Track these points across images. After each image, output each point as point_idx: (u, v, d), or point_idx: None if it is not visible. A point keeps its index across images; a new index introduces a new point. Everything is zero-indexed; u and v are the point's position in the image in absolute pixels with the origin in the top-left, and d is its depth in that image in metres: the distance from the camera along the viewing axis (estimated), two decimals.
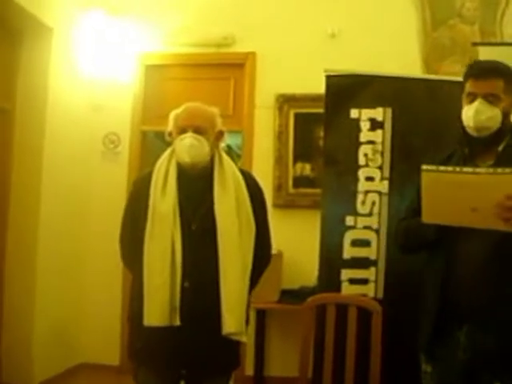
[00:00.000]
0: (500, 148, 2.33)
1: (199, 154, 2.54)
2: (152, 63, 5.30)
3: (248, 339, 4.69)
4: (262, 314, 4.72)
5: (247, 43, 5.09)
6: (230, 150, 9.71)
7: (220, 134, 2.68)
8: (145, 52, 5.25)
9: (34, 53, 4.60)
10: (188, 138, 2.54)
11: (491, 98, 2.29)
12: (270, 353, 4.86)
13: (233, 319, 2.47)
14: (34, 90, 4.56)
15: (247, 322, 2.65)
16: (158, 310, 2.44)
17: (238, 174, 2.67)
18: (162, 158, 2.66)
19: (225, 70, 5.21)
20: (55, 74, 4.67)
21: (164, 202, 2.53)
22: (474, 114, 2.29)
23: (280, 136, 4.94)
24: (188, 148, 2.53)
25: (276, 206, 4.74)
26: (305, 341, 3.25)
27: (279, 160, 4.93)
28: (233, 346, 2.59)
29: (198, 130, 2.56)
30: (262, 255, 2.68)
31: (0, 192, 4.45)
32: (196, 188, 2.59)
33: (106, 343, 5.05)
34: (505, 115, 2.32)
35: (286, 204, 4.87)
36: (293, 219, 4.81)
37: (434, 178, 2.22)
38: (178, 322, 2.44)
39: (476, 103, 2.29)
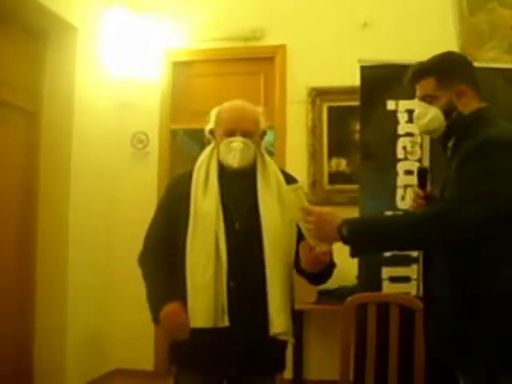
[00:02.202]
0: (450, 144, 2.25)
1: (246, 157, 2.49)
2: (179, 60, 5.19)
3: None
4: (299, 316, 4.57)
5: (277, 36, 4.95)
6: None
7: (263, 134, 2.61)
8: (171, 48, 5.15)
9: (60, 53, 4.54)
10: (237, 143, 2.47)
11: (428, 99, 2.24)
12: (309, 355, 4.72)
13: (280, 319, 2.40)
14: (60, 90, 4.50)
15: (294, 322, 2.55)
16: (204, 311, 2.38)
17: (279, 172, 2.59)
18: (202, 156, 2.61)
19: (254, 64, 5.07)
20: (81, 73, 4.60)
21: (206, 201, 2.48)
22: (415, 120, 2.33)
23: (313, 131, 4.78)
24: (239, 153, 2.47)
25: (311, 203, 4.55)
26: (345, 342, 3.14)
27: (313, 156, 4.78)
28: (279, 348, 2.52)
29: (246, 134, 2.49)
30: None
31: (28, 195, 4.38)
32: (238, 187, 2.53)
33: (139, 348, 4.97)
34: (447, 112, 2.22)
35: (322, 201, 4.68)
36: None
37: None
38: (226, 323, 2.36)
39: (416, 107, 2.29)
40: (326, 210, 2.22)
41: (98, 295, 4.86)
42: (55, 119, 4.44)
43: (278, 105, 4.90)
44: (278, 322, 2.39)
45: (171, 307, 2.38)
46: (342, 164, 4.77)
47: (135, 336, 4.94)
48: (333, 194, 4.73)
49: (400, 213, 3.55)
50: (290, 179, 2.60)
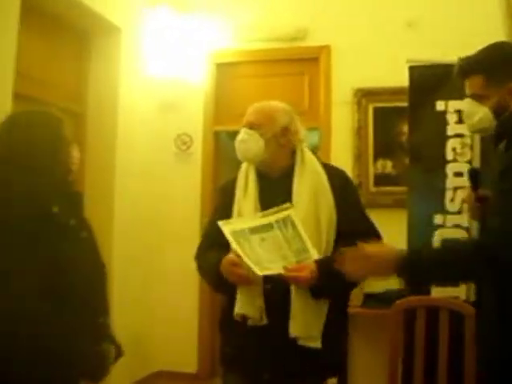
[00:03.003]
0: (501, 146, 2.06)
1: (249, 149, 2.49)
2: (223, 61, 5.16)
3: None
4: None
5: (321, 36, 4.87)
6: None
7: (285, 131, 2.53)
8: (215, 49, 5.12)
9: (104, 54, 4.56)
10: (240, 134, 2.51)
11: (478, 98, 2.08)
12: (354, 360, 4.63)
13: (297, 322, 2.34)
14: (104, 91, 4.52)
15: (337, 328, 2.48)
16: (250, 311, 2.38)
17: (321, 171, 2.53)
18: (244, 163, 2.63)
19: (298, 64, 5.00)
20: (125, 74, 4.62)
21: (246, 202, 2.49)
22: (465, 119, 2.20)
23: (359, 132, 4.70)
24: (238, 144, 2.51)
25: None
26: (393, 348, 3.06)
27: (358, 157, 4.70)
28: (325, 352, 2.40)
29: (250, 126, 2.50)
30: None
31: None
32: (277, 188, 2.51)
33: (182, 350, 4.96)
34: (498, 112, 2.05)
35: (367, 203, 4.58)
36: (375, 219, 4.56)
37: None
38: (264, 321, 2.36)
39: (465, 105, 2.15)
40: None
41: (143, 297, 4.86)
42: (100, 120, 4.46)
43: (322, 106, 4.83)
44: (295, 325, 2.33)
45: (227, 258, 2.33)
46: (387, 166, 4.68)
47: (179, 338, 4.94)
48: (378, 197, 4.64)
49: (450, 217, 3.49)
50: (333, 173, 2.55)
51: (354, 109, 4.73)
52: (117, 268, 4.43)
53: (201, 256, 2.62)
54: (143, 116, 4.89)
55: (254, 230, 2.32)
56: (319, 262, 2.31)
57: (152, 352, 4.93)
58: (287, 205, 2.38)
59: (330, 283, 2.28)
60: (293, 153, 2.55)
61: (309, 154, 2.57)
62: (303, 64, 4.99)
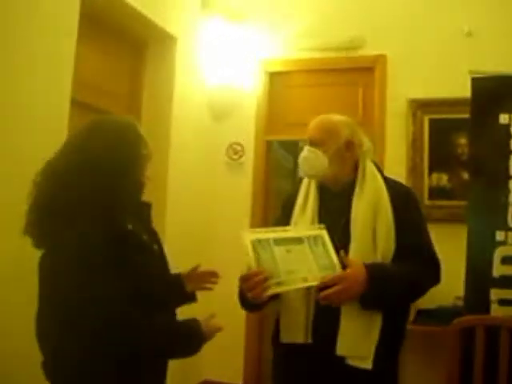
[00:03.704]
0: None
1: (313, 166, 2.47)
2: (275, 70, 5.13)
3: None
4: None
5: (376, 45, 4.80)
6: None
7: (350, 144, 2.50)
8: (268, 58, 5.09)
9: (159, 63, 4.57)
10: (303, 152, 2.50)
11: None
12: (405, 380, 4.49)
13: (345, 339, 2.28)
14: (159, 100, 4.53)
15: (393, 351, 2.44)
16: (293, 329, 2.37)
17: (382, 184, 2.48)
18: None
19: (353, 74, 4.94)
20: (179, 83, 4.61)
21: (303, 217, 2.48)
22: None
23: (414, 144, 4.60)
24: (301, 161, 2.50)
25: None
26: (450, 369, 2.97)
27: (413, 170, 4.59)
28: (376, 374, 2.31)
29: (313, 143, 2.49)
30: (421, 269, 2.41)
31: None
32: (337, 203, 2.48)
33: (229, 361, 4.92)
34: None
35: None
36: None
37: None
38: (309, 340, 2.32)
39: None
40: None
41: (189, 307, 4.82)
42: (154, 128, 4.43)
43: (377, 117, 4.75)
44: (342, 343, 2.27)
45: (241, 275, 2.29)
46: (443, 179, 4.56)
47: (226, 348, 4.88)
48: (433, 210, 4.52)
49: None
50: (392, 187, 2.50)
51: (409, 120, 4.63)
52: None
53: None
54: (196, 124, 4.88)
55: (281, 242, 2.26)
56: (369, 266, 2.24)
57: (198, 361, 4.89)
58: (321, 226, 2.36)
59: (381, 290, 2.22)
60: (356, 166, 2.52)
61: (371, 168, 2.53)
62: (358, 74, 4.92)
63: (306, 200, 2.53)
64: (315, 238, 2.31)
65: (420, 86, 4.62)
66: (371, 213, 2.39)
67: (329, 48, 4.89)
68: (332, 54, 4.91)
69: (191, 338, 2.06)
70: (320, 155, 2.45)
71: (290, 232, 2.33)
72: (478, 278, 3.44)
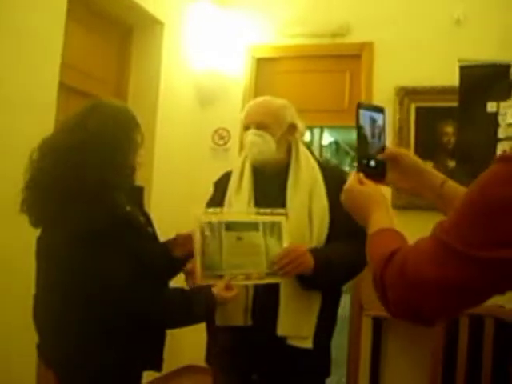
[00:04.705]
0: None
1: (262, 150, 2.42)
2: (263, 56, 5.12)
3: (364, 352, 4.49)
4: (378, 323, 4.43)
5: (364, 32, 4.79)
6: (337, 147, 9.56)
7: (292, 128, 2.48)
8: (255, 44, 5.08)
9: (146, 48, 4.56)
10: (249, 135, 2.44)
11: None
12: (387, 368, 4.52)
13: (285, 321, 2.29)
14: (145, 84, 4.52)
15: (329, 331, 2.48)
16: (231, 311, 2.33)
17: (316, 167, 2.48)
18: (241, 157, 2.59)
19: (340, 61, 4.94)
20: (166, 68, 4.60)
21: (238, 199, 2.44)
22: None
23: (400, 132, 4.60)
24: (250, 145, 2.44)
25: (395, 207, 4.35)
26: (435, 359, 2.99)
27: None
28: (315, 353, 2.36)
29: (260, 126, 2.42)
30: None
31: None
32: (271, 186, 2.46)
33: None
34: None
35: (406, 205, 4.51)
36: (414, 222, 4.43)
37: None
38: (249, 322, 2.31)
39: None
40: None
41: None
42: (140, 113, 4.33)
43: None
44: (282, 325, 2.28)
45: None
46: (428, 166, 4.58)
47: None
48: (416, 198, 4.52)
49: None
50: (326, 171, 2.50)
51: (396, 108, 4.62)
52: None
53: None
54: (182, 110, 4.86)
55: (234, 226, 2.22)
56: (313, 250, 2.26)
57: (182, 346, 4.90)
58: (283, 211, 2.30)
59: (323, 269, 2.23)
60: (288, 148, 2.50)
61: (304, 150, 2.52)
62: (345, 61, 4.92)
63: (241, 180, 2.49)
64: (272, 224, 2.25)
65: (407, 73, 4.61)
66: (307, 195, 2.39)
67: (316, 35, 4.88)
68: (319, 41, 4.89)
69: (204, 304, 2.09)
70: (269, 139, 2.41)
71: (249, 216, 2.28)
72: None
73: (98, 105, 2.11)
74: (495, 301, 3.33)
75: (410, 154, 1.63)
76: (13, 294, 3.01)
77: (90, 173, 1.89)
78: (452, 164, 4.25)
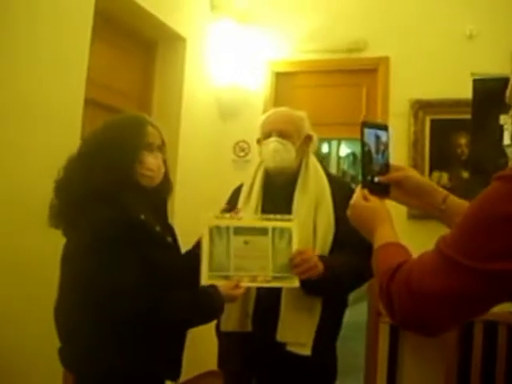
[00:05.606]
0: None
1: (284, 158, 2.49)
2: (282, 70, 5.25)
3: (381, 359, 4.55)
4: (395, 330, 4.51)
5: (380, 47, 4.92)
6: (354, 158, 9.65)
7: (308, 139, 2.58)
8: (274, 59, 5.21)
9: (169, 63, 4.69)
10: (272, 143, 2.49)
11: None
12: (404, 375, 4.58)
13: (285, 327, 2.35)
14: (169, 100, 4.64)
15: (331, 339, 2.54)
16: (232, 317, 2.41)
17: (324, 179, 2.55)
18: (254, 166, 2.66)
19: (356, 76, 5.06)
20: (188, 83, 4.73)
21: (247, 208, 2.50)
22: None
23: (415, 144, 4.72)
24: (272, 153, 2.48)
25: (411, 217, 4.47)
26: (449, 364, 3.05)
27: (414, 169, 4.67)
28: (314, 360, 2.39)
29: (282, 134, 2.50)
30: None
31: None
32: (281, 194, 2.53)
33: None
34: None
35: (421, 215, 4.59)
36: (429, 231, 4.53)
37: None
38: (249, 328, 2.38)
39: None
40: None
41: None
42: (164, 126, 4.39)
43: (379, 117, 4.85)
44: (284, 330, 2.34)
45: None
46: (443, 178, 4.67)
47: None
48: None
49: None
50: (334, 183, 2.56)
51: (411, 121, 4.74)
52: None
53: None
54: (204, 123, 5.00)
55: (242, 231, 2.25)
56: (320, 257, 2.30)
57: (205, 351, 4.98)
58: (292, 217, 2.34)
59: (329, 278, 2.26)
60: (300, 159, 2.57)
61: (314, 162, 2.59)
62: (361, 75, 5.04)
63: (251, 189, 2.56)
64: (282, 230, 2.27)
65: (422, 87, 4.73)
66: (313, 206, 2.45)
67: (333, 50, 5.01)
68: (336, 56, 5.02)
69: (211, 304, 2.12)
70: (290, 148, 2.48)
71: (256, 221, 2.30)
72: None
73: (109, 119, 2.22)
74: (508, 307, 3.42)
75: (412, 175, 1.68)
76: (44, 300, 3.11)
77: (96, 174, 1.98)
78: (466, 175, 4.34)
